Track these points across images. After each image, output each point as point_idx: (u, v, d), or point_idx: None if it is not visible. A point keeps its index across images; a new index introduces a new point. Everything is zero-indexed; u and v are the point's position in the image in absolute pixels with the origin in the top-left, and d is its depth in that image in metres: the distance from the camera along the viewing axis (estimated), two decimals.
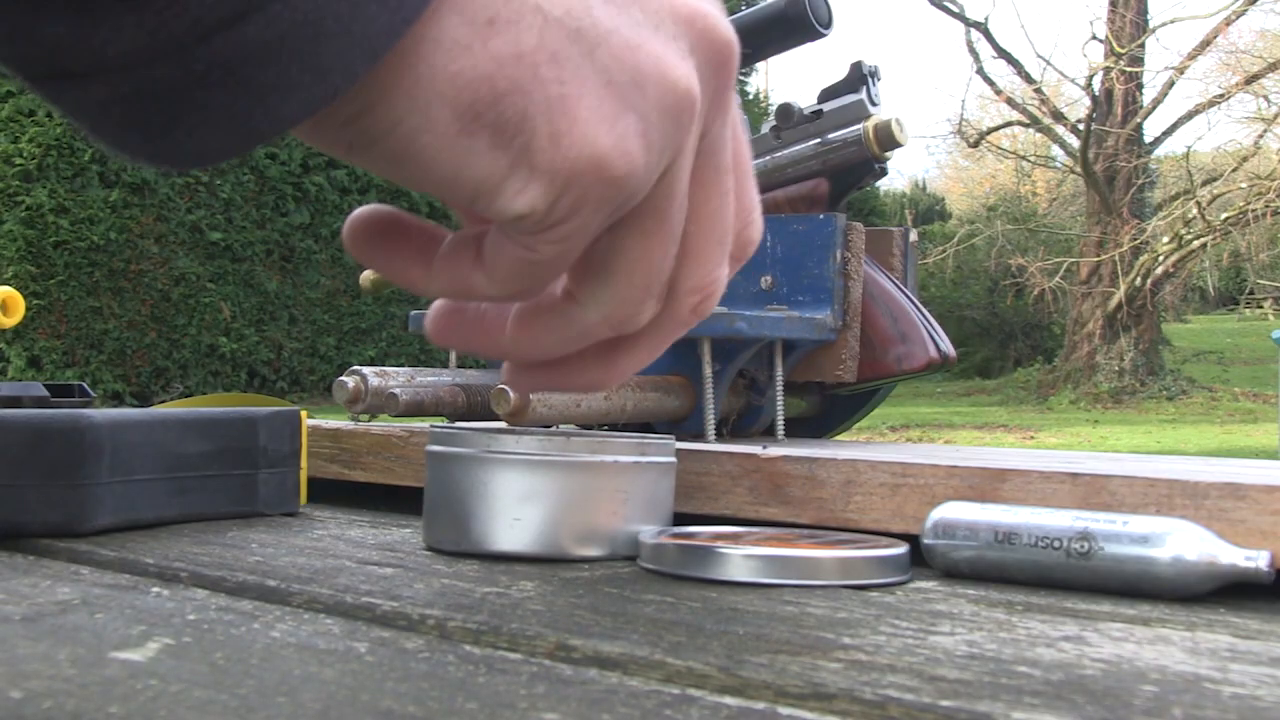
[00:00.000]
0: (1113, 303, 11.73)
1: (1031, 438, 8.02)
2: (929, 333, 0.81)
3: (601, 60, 0.33)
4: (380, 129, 0.32)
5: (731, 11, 0.78)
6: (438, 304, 0.41)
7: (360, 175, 9.39)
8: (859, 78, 0.81)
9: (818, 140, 0.81)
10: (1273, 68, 11.38)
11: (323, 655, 0.40)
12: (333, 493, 0.83)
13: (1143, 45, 11.97)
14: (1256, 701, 0.37)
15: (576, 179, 0.33)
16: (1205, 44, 11.92)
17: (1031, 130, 14.29)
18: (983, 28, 12.40)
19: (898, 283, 0.83)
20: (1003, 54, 12.56)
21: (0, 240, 7.78)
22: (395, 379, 0.81)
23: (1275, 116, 11.65)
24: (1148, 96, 12.45)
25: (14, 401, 0.74)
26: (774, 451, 0.66)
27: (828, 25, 0.79)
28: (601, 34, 0.32)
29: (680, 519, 0.64)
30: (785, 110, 0.81)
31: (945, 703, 0.35)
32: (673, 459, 0.63)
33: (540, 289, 0.37)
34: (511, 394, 0.68)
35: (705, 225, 0.37)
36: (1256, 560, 0.51)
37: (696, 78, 0.35)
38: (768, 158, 0.83)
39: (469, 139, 0.32)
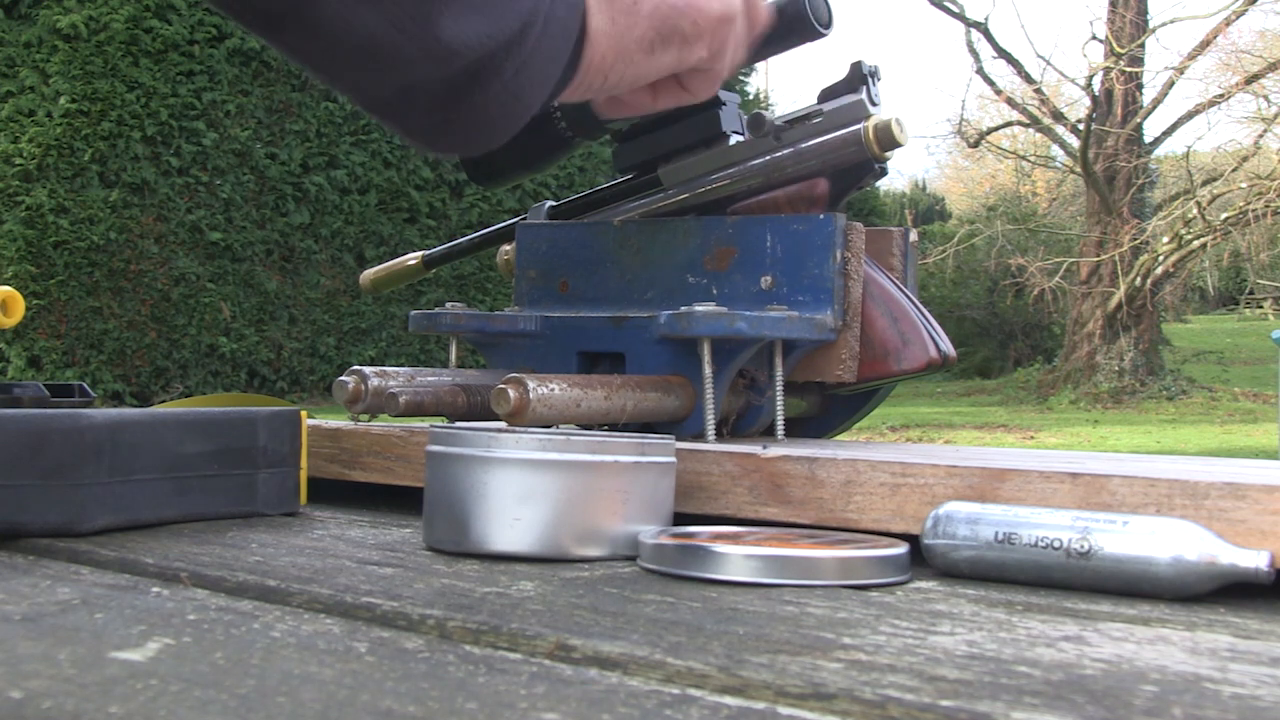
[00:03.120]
0: (1113, 303, 11.73)
1: (1031, 438, 8.01)
2: (929, 333, 0.81)
3: None
4: (609, 84, 0.63)
5: None
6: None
7: (360, 175, 9.39)
8: (859, 78, 0.81)
9: (818, 140, 0.81)
10: (1273, 68, 11.37)
11: (323, 655, 0.40)
12: (333, 493, 0.83)
13: (1143, 45, 11.96)
14: (1256, 701, 0.37)
15: (715, 31, 0.65)
16: (1205, 44, 11.91)
17: (1031, 130, 14.29)
18: (983, 28, 12.39)
19: (898, 283, 0.83)
20: (1003, 54, 12.55)
21: (0, 240, 7.77)
22: (395, 379, 0.81)
23: (1275, 116, 11.64)
24: (1148, 96, 12.45)
25: (14, 401, 0.74)
26: (774, 451, 0.66)
27: (828, 25, 0.79)
28: None
29: (680, 519, 0.64)
30: (756, 120, 0.81)
31: (945, 703, 0.35)
32: (672, 459, 0.63)
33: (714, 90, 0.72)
34: (511, 394, 0.68)
35: None
36: (1256, 560, 0.51)
37: None
38: (767, 157, 0.83)
39: (654, 57, 0.63)
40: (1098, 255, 11.94)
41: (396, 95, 0.57)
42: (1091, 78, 11.84)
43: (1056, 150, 14.59)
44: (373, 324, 9.61)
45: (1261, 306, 17.06)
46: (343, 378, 0.81)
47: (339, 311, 9.43)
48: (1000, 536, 0.55)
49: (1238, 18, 11.51)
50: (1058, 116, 12.94)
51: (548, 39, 0.58)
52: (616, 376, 0.75)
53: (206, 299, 8.59)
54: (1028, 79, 12.68)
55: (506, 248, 0.98)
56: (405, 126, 0.60)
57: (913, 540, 0.58)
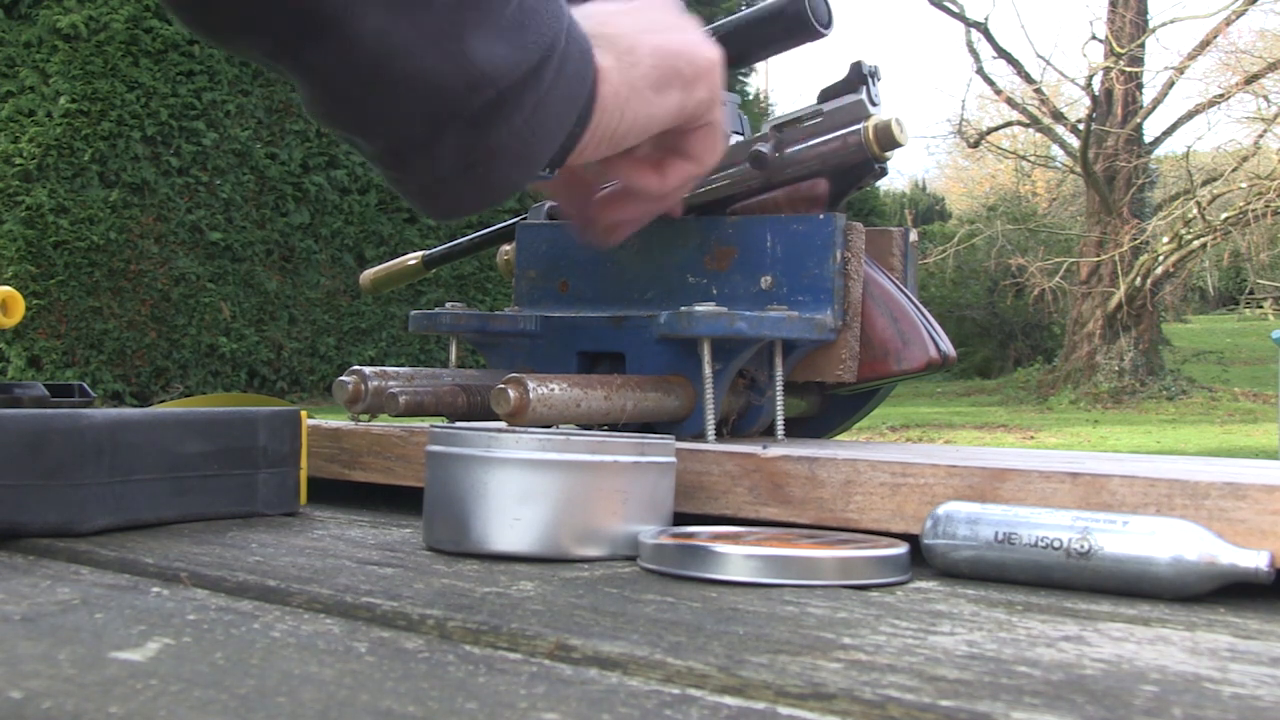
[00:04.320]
0: (1113, 303, 11.73)
1: (1031, 438, 8.01)
2: (929, 333, 0.81)
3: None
4: (624, 124, 0.62)
5: (731, 11, 0.78)
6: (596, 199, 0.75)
7: (360, 175, 9.39)
8: (859, 78, 0.81)
9: (817, 140, 0.81)
10: (1273, 68, 11.37)
11: (323, 655, 0.40)
12: (333, 493, 0.83)
13: (1143, 45, 11.97)
14: (1256, 701, 0.37)
15: (709, 73, 0.66)
16: (1205, 44, 11.91)
17: (1031, 130, 14.29)
18: (983, 28, 12.40)
19: (898, 283, 0.83)
20: (1003, 54, 12.55)
21: (0, 240, 7.77)
22: (395, 379, 0.81)
23: (1275, 116, 11.64)
24: (1148, 96, 12.45)
25: (14, 401, 0.74)
26: (774, 451, 0.66)
27: (828, 25, 0.79)
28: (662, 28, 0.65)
29: (680, 519, 0.64)
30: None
31: (945, 703, 0.35)
32: (672, 459, 0.63)
33: (678, 188, 0.70)
34: (511, 394, 0.68)
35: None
36: (1256, 560, 0.51)
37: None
38: None
39: (661, 95, 0.63)
40: (1098, 255, 11.94)
41: (423, 133, 0.55)
42: (1091, 78, 11.84)
43: (1056, 150, 14.60)
44: (373, 324, 9.61)
45: (1261, 306, 17.05)
46: (343, 378, 0.81)
47: (339, 311, 9.43)
48: (1000, 536, 0.55)
49: (1238, 18, 11.51)
50: (1058, 116, 12.94)
51: (563, 80, 0.57)
52: (616, 376, 0.75)
53: (206, 299, 8.59)
54: (1028, 79, 12.68)
55: (506, 248, 0.97)
56: (421, 177, 0.58)
57: (913, 540, 0.58)
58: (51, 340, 7.88)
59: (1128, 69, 11.73)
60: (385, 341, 9.67)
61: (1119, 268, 11.65)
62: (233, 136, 8.71)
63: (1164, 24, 11.88)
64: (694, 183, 0.71)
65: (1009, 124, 13.99)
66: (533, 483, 0.58)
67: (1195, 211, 11.09)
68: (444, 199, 0.59)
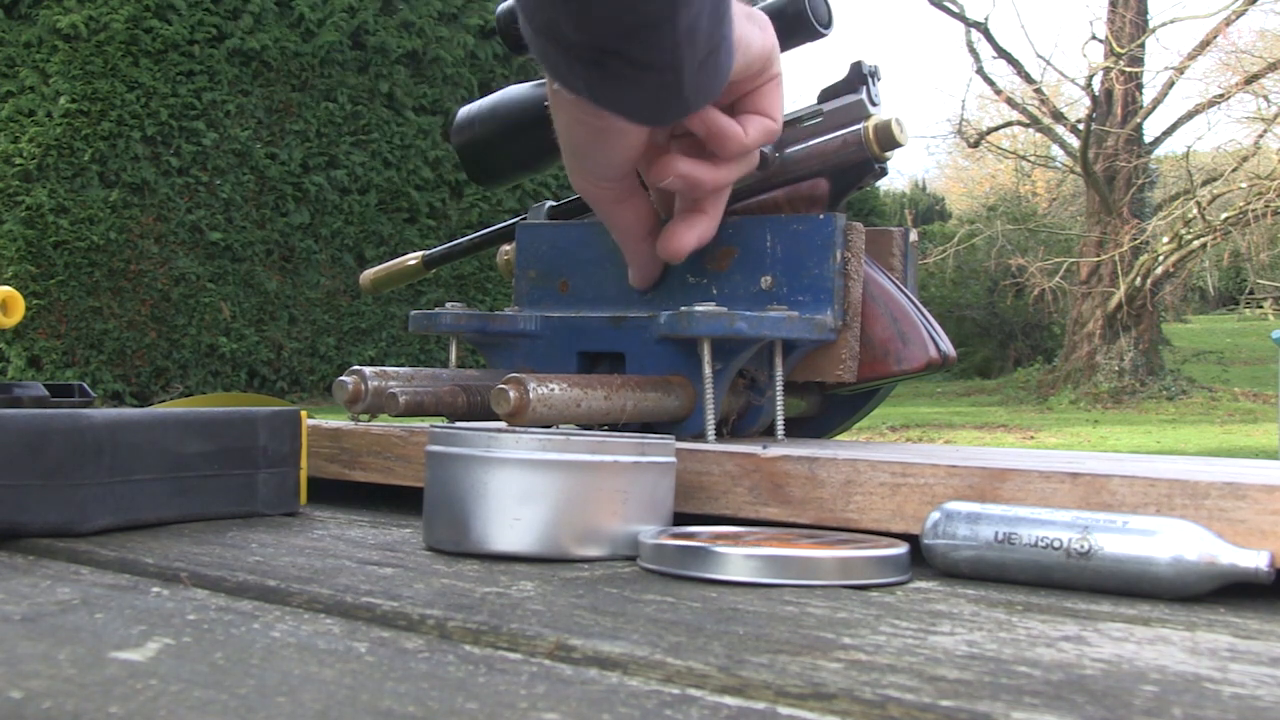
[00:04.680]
0: (1113, 303, 11.73)
1: (1031, 438, 8.01)
2: (929, 333, 0.81)
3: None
4: (738, 40, 0.67)
5: None
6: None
7: (360, 175, 9.39)
8: (859, 78, 0.81)
9: (817, 140, 0.81)
10: (1273, 68, 11.37)
11: (323, 655, 0.40)
12: (333, 493, 0.83)
13: (1143, 45, 11.97)
14: (1256, 701, 0.37)
15: (770, 25, 0.72)
16: (1205, 44, 11.92)
17: (1031, 130, 14.30)
18: (983, 28, 12.40)
19: (898, 283, 0.83)
20: (1003, 54, 12.56)
21: (0, 240, 7.78)
22: (395, 379, 0.81)
23: (1275, 116, 11.64)
24: (1148, 96, 12.45)
25: (14, 401, 0.74)
26: (774, 451, 0.66)
27: (828, 25, 0.79)
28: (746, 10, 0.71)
29: (680, 519, 0.64)
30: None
31: (945, 703, 0.35)
32: (672, 459, 0.63)
33: (757, 142, 0.74)
34: (511, 394, 0.68)
35: None
36: (1256, 560, 0.51)
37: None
38: None
39: (750, 23, 0.69)
40: (1098, 255, 11.95)
41: (693, 21, 0.59)
42: (1091, 78, 11.84)
43: (1056, 150, 14.60)
44: (373, 324, 9.61)
45: (1261, 306, 17.05)
46: (343, 378, 0.81)
47: (339, 311, 9.44)
48: (1000, 536, 0.55)
49: (1238, 18, 11.52)
50: (1058, 116, 12.94)
51: None
52: (616, 376, 0.75)
53: (206, 299, 8.60)
54: (1028, 79, 12.69)
55: (506, 248, 0.97)
56: (682, 73, 0.62)
57: (913, 540, 0.58)
58: (51, 340, 7.88)
59: (1128, 69, 11.74)
60: (385, 341, 9.67)
61: (1119, 268, 11.65)
62: (233, 136, 8.72)
63: (1164, 24, 11.90)
64: (770, 143, 0.76)
65: (1009, 124, 14.00)
66: (533, 483, 0.58)
67: (1195, 211, 11.10)
68: (683, 98, 0.65)
